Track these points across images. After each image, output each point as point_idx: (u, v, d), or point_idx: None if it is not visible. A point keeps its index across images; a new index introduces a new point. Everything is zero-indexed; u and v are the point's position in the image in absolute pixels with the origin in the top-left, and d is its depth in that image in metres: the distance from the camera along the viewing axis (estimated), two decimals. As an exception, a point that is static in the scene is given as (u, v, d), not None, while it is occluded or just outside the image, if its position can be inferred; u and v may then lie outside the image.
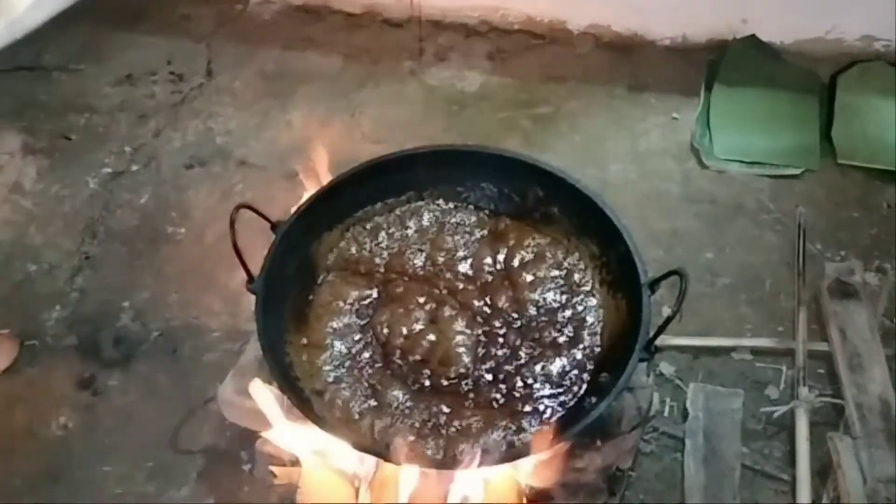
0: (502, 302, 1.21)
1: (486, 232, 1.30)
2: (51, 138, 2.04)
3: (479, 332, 1.18)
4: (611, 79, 2.13)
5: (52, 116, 2.08)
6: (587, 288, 1.23)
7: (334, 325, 1.20)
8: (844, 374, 1.48)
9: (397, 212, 1.32)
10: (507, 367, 1.14)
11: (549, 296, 1.22)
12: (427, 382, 1.13)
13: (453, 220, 1.31)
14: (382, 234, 1.29)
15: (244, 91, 2.14)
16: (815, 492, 1.37)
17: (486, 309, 1.21)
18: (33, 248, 1.81)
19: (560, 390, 1.12)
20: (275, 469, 1.33)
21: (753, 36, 2.11)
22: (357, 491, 1.26)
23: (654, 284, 1.11)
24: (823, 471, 1.40)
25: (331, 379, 1.13)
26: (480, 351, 1.15)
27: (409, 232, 1.30)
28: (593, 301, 1.22)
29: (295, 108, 2.09)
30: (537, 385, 1.12)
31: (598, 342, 1.17)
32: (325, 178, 1.29)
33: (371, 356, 1.16)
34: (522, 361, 1.15)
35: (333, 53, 2.22)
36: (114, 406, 1.55)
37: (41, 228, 1.85)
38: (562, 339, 1.17)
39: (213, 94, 2.14)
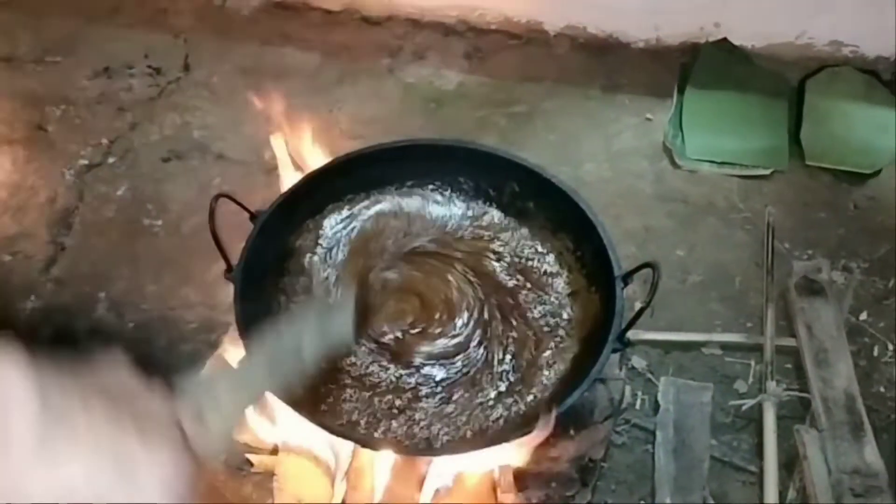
0: (479, 292, 1.23)
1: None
2: (27, 129, 2.02)
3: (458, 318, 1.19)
4: (586, 79, 2.15)
5: (28, 108, 2.07)
6: (561, 281, 1.25)
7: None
8: (811, 369, 1.51)
9: (374, 204, 1.33)
10: (482, 356, 1.16)
11: (525, 288, 1.24)
12: (404, 368, 1.14)
13: (431, 212, 1.32)
14: (358, 224, 1.30)
15: (222, 86, 2.14)
16: (782, 483, 1.40)
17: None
18: (8, 238, 1.80)
19: (532, 380, 1.14)
20: (251, 457, 1.34)
21: (726, 39, 2.15)
22: (333, 479, 1.27)
23: (627, 277, 1.13)
24: (790, 462, 1.43)
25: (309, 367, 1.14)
26: (458, 338, 1.17)
27: (388, 222, 1.31)
28: (567, 294, 1.24)
29: (272, 103, 2.09)
30: (511, 374, 1.14)
31: (572, 334, 1.19)
32: (304, 172, 1.31)
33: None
34: (497, 350, 1.16)
35: (312, 50, 2.23)
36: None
37: (17, 219, 1.84)
38: (536, 330, 1.19)
39: (190, 88, 2.14)
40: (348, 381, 1.13)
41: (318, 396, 1.11)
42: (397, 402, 1.11)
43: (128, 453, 0.45)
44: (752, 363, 1.59)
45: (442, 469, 1.21)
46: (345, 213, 1.31)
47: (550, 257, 1.27)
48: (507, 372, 1.14)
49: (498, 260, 1.27)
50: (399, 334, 1.17)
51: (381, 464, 1.21)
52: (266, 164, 1.90)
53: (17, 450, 0.40)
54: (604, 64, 2.19)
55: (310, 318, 0.86)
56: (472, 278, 1.24)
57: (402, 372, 1.14)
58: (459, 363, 1.15)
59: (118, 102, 2.10)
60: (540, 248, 1.28)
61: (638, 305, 1.05)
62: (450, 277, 1.23)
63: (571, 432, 1.23)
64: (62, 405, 0.43)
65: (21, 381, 0.41)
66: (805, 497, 1.37)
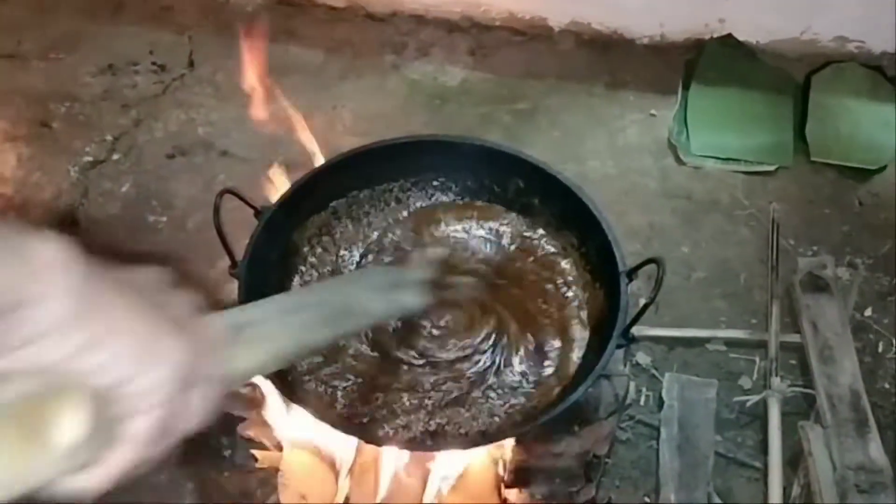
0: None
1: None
2: (31, 126, 2.03)
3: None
4: (590, 76, 2.15)
5: (32, 105, 2.08)
6: (567, 277, 1.25)
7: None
8: (816, 366, 1.51)
9: (379, 201, 1.33)
10: (485, 350, 1.16)
11: (528, 285, 1.24)
12: (407, 364, 1.14)
13: (434, 209, 1.32)
14: (364, 220, 1.30)
15: (226, 82, 2.14)
16: (787, 479, 1.41)
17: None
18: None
19: (537, 375, 1.14)
20: (256, 453, 1.34)
21: (730, 35, 2.14)
22: (338, 476, 1.27)
23: (631, 273, 1.13)
24: (794, 459, 1.44)
25: (314, 361, 1.14)
26: (462, 334, 1.17)
27: (390, 219, 1.31)
28: (572, 290, 1.23)
29: (277, 100, 2.09)
30: (516, 370, 1.14)
31: (577, 330, 1.19)
32: (308, 168, 1.31)
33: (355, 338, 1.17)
34: (501, 346, 1.16)
35: (316, 46, 2.23)
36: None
37: (21, 215, 1.84)
38: (542, 326, 1.19)
39: (195, 84, 2.14)
40: (351, 377, 1.13)
41: (321, 393, 1.11)
42: (402, 399, 1.11)
43: (155, 347, 0.47)
44: (757, 359, 1.59)
45: (446, 465, 1.21)
46: (349, 212, 1.30)
47: (556, 252, 1.26)
48: (511, 368, 1.14)
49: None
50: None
51: (386, 460, 1.21)
52: (270, 161, 1.90)
53: (54, 313, 0.43)
54: (608, 60, 2.19)
55: (378, 280, 0.85)
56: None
57: (407, 368, 1.14)
58: (463, 359, 1.15)
59: (123, 99, 2.10)
60: (545, 245, 1.28)
61: (642, 302, 1.05)
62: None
63: (576, 428, 1.23)
64: (102, 289, 0.45)
65: (69, 258, 0.44)
66: (809, 493, 1.37)
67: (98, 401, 0.45)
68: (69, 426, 0.44)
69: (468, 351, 1.15)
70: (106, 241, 1.79)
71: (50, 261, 0.43)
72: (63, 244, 0.44)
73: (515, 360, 1.15)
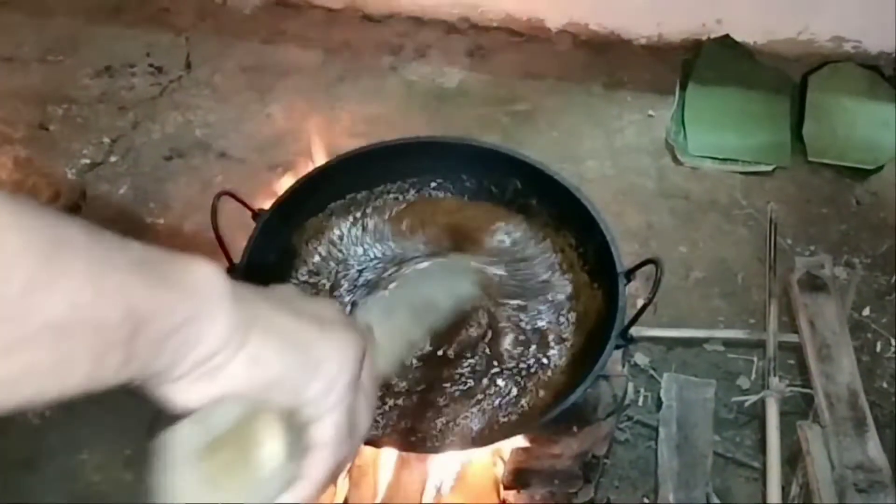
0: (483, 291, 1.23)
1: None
2: (29, 128, 2.03)
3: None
4: (588, 77, 2.16)
5: (30, 107, 2.08)
6: (564, 278, 1.25)
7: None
8: (814, 365, 1.51)
9: (377, 202, 1.33)
10: (483, 350, 1.16)
11: (526, 284, 1.24)
12: (406, 363, 1.14)
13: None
14: (361, 223, 1.30)
15: (224, 84, 2.14)
16: (785, 479, 1.41)
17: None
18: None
19: (535, 376, 1.14)
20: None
21: (728, 36, 2.15)
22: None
23: (629, 273, 1.13)
24: (793, 458, 1.44)
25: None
26: (461, 332, 1.17)
27: (388, 220, 1.31)
28: (570, 290, 1.24)
29: (275, 101, 2.10)
30: (514, 371, 1.14)
31: (575, 331, 1.19)
32: (306, 170, 1.31)
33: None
34: (500, 347, 1.16)
35: (313, 48, 2.23)
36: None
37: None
38: (539, 327, 1.19)
39: (192, 86, 2.14)
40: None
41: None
42: (400, 400, 1.11)
43: (317, 349, 0.48)
44: (755, 359, 1.59)
45: (445, 466, 1.21)
46: (347, 214, 1.30)
47: (553, 253, 1.27)
48: (510, 369, 1.14)
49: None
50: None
51: (384, 461, 1.21)
52: (268, 163, 1.90)
53: (217, 347, 0.43)
54: (606, 61, 2.19)
55: (439, 274, 0.86)
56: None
57: (407, 368, 1.14)
58: (463, 360, 1.15)
59: (120, 101, 2.10)
60: (542, 245, 1.28)
61: (640, 302, 1.05)
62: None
63: (574, 429, 1.23)
64: (256, 306, 0.46)
65: (221, 278, 0.44)
66: (808, 493, 1.37)
67: (285, 415, 0.46)
68: (269, 448, 0.45)
69: (466, 352, 1.15)
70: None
71: (204, 280, 0.43)
72: (213, 264, 0.45)
73: (513, 361, 1.15)
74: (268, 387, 0.46)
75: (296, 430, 0.47)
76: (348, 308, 1.06)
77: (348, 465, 0.52)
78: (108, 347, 0.39)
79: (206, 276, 0.44)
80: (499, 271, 1.24)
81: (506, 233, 1.29)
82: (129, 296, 0.39)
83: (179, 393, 0.44)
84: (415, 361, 1.13)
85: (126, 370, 0.40)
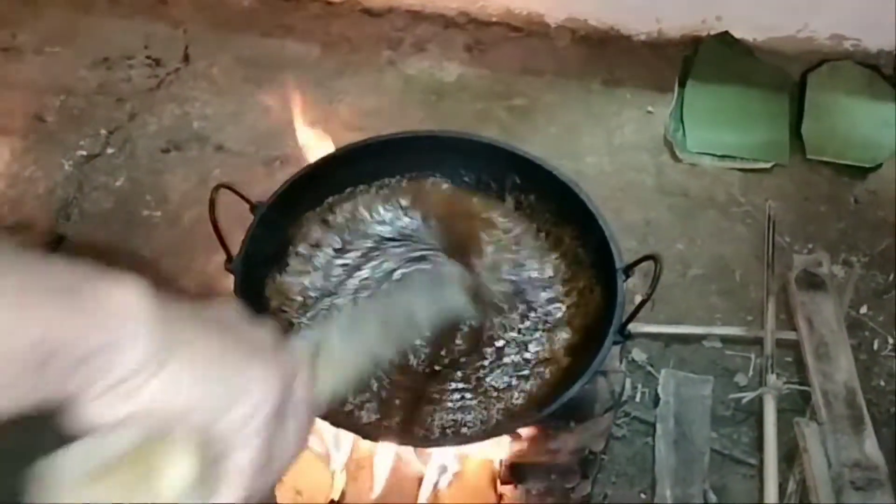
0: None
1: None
2: (26, 120, 2.02)
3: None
4: (587, 73, 2.15)
5: (27, 98, 2.06)
6: (562, 274, 1.24)
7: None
8: (811, 363, 1.51)
9: (375, 195, 1.32)
10: (481, 346, 1.15)
11: (524, 279, 1.23)
12: (403, 359, 1.14)
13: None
14: (359, 216, 1.30)
15: (222, 77, 2.13)
16: (782, 476, 1.40)
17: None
18: (7, 229, 1.79)
19: (533, 371, 1.14)
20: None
21: (727, 33, 2.14)
22: (333, 473, 1.27)
23: (628, 269, 1.13)
24: (790, 455, 1.44)
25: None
26: (458, 327, 1.16)
27: (386, 215, 1.30)
28: (568, 286, 1.23)
29: (273, 94, 2.09)
30: (512, 366, 1.14)
31: (573, 327, 1.19)
32: (304, 163, 1.30)
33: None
34: (497, 342, 1.16)
35: (312, 41, 2.22)
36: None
37: (15, 210, 1.83)
38: (536, 323, 1.19)
39: (190, 79, 2.13)
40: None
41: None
42: (398, 394, 1.10)
43: (240, 376, 0.47)
44: (753, 356, 1.59)
45: (442, 461, 1.21)
46: (345, 207, 1.30)
47: (550, 249, 1.26)
48: (508, 364, 1.14)
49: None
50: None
51: (382, 455, 1.21)
52: (266, 156, 1.90)
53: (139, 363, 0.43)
54: (605, 57, 2.19)
55: (421, 284, 0.85)
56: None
57: (404, 364, 1.13)
58: (460, 355, 1.14)
59: (117, 93, 2.09)
60: (541, 241, 1.27)
61: (638, 298, 1.05)
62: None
63: (572, 424, 1.23)
64: (181, 327, 0.45)
65: (144, 298, 0.44)
66: (805, 490, 1.37)
67: (198, 441, 0.45)
68: (173, 472, 0.44)
69: (463, 347, 1.15)
70: (101, 236, 1.79)
71: (125, 304, 0.42)
72: (138, 285, 0.44)
73: (510, 356, 1.15)
74: (184, 411, 0.44)
75: (209, 456, 0.46)
76: (337, 308, 1.03)
77: (263, 494, 0.50)
78: (15, 376, 0.38)
79: (129, 299, 0.43)
80: (496, 268, 1.24)
81: (504, 228, 1.28)
82: (42, 324, 0.38)
83: (91, 412, 0.43)
84: (413, 357, 1.13)
85: (34, 396, 0.39)
